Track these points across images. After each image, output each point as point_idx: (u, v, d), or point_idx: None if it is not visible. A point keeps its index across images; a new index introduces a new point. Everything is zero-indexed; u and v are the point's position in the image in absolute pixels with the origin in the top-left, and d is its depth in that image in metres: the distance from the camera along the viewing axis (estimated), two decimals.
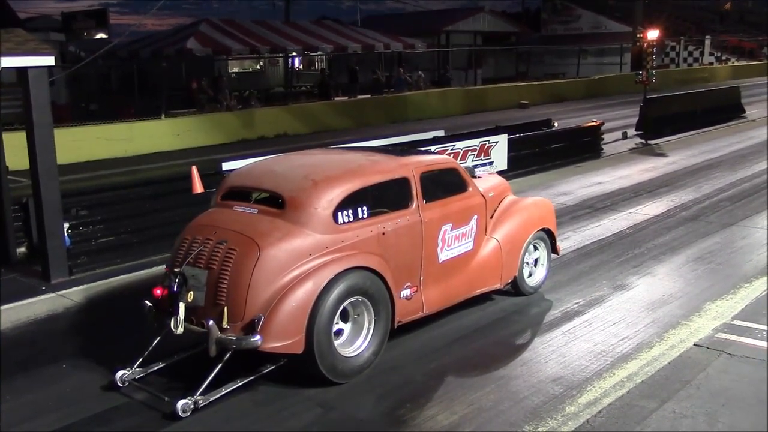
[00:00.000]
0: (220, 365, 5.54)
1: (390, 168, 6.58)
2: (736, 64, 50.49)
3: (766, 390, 5.60)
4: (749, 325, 6.91)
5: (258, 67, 34.14)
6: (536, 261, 8.02)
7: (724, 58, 52.37)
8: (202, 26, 28.11)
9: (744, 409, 5.39)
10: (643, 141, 19.49)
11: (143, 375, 6.01)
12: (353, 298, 5.96)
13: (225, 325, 5.53)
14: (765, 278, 8.28)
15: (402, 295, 6.43)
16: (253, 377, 5.84)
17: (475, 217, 7.19)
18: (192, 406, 5.40)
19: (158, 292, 5.86)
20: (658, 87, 23.96)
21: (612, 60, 44.17)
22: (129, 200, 10.12)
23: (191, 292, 5.69)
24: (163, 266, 6.41)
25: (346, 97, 28.36)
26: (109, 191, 10.54)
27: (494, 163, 14.07)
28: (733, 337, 6.63)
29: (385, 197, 6.44)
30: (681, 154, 17.65)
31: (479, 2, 47.68)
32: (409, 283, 6.51)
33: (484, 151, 13.92)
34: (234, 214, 6.19)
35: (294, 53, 30.10)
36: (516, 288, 7.79)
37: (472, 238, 7.16)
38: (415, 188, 6.56)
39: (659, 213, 11.65)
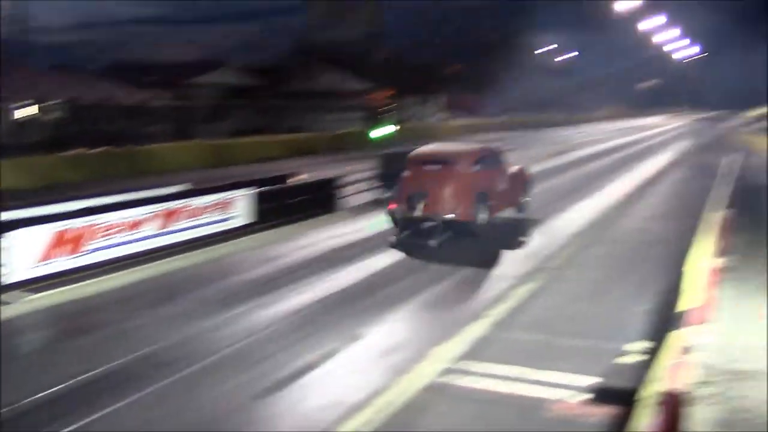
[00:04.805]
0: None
1: (484, 149, 15.12)
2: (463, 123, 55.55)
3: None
4: (470, 366, 7.47)
5: None
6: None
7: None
8: None
9: None
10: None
11: None
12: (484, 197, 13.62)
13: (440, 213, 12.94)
14: (479, 322, 8.95)
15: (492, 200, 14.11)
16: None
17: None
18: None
19: (392, 206, 13.16)
20: (400, 141, 25.02)
21: (353, 116, 46.27)
22: None
23: (421, 202, 12.85)
24: None
25: (85, 149, 26.69)
26: None
27: (237, 218, 14.09)
28: (457, 379, 7.14)
29: (486, 160, 14.40)
30: None
31: (224, 56, 48.00)
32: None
33: (224, 205, 13.88)
34: (427, 170, 13.51)
35: (19, 103, 27.93)
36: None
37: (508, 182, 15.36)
38: (496, 159, 15.06)
39: (393, 262, 12.26)
